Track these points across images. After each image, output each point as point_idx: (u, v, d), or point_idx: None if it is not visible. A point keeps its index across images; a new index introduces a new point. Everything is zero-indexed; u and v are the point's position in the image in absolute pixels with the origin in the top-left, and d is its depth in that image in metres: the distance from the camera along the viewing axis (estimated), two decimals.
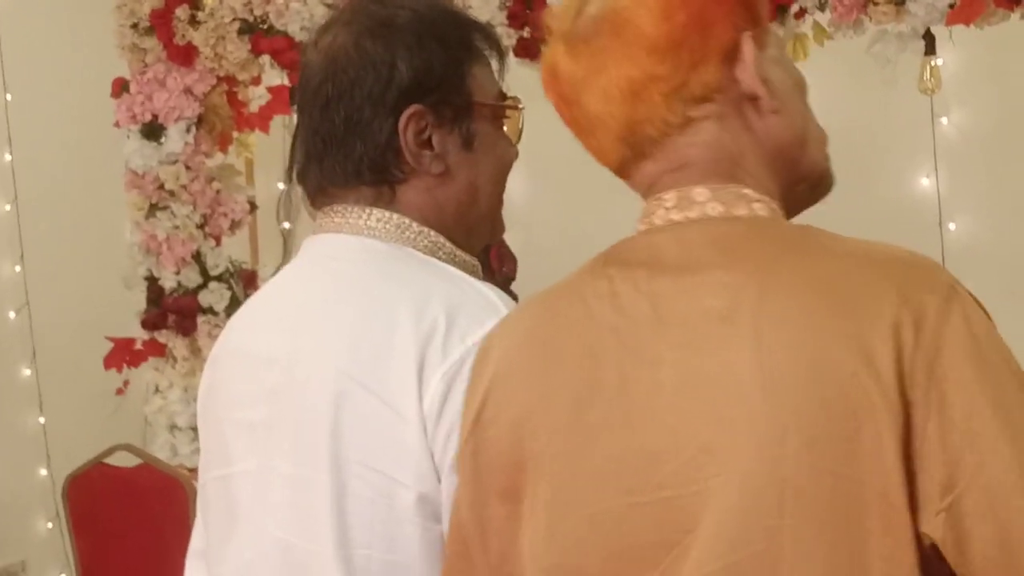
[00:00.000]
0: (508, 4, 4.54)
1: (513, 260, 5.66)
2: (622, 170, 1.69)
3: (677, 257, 1.60)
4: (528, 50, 4.48)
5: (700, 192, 1.62)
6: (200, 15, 5.14)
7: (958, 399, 1.44)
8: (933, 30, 4.38)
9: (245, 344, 2.07)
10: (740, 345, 1.51)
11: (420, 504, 1.84)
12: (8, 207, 6.53)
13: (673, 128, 1.62)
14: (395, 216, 2.00)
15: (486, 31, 2.11)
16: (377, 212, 2.00)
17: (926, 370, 1.45)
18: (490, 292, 1.93)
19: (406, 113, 1.98)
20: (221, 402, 2.08)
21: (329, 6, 4.84)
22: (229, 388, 2.06)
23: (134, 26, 5.27)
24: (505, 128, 2.10)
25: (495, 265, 5.49)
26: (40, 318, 6.60)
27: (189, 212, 5.34)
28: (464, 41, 2.05)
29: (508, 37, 4.51)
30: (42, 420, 6.66)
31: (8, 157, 6.51)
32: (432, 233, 2.01)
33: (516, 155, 2.12)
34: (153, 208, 5.36)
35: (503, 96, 2.09)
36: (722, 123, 1.64)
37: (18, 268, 6.58)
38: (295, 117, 4.86)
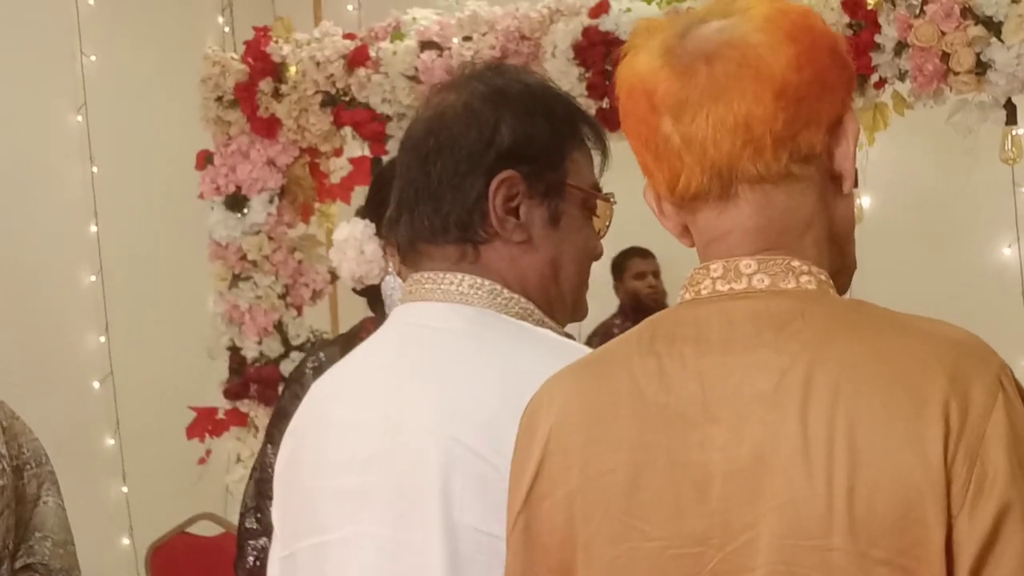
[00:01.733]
0: (587, 76, 4.56)
1: None
2: (694, 201, 1.63)
3: (723, 334, 1.58)
4: (608, 121, 4.49)
5: (747, 264, 1.60)
6: (283, 88, 5.19)
7: (992, 497, 1.43)
8: (1014, 99, 4.36)
9: (335, 413, 2.06)
10: (787, 433, 1.49)
11: None
12: (93, 278, 6.62)
13: (771, 176, 1.59)
14: (487, 282, 2.01)
15: (595, 126, 2.12)
16: (468, 278, 2.00)
17: (966, 461, 1.43)
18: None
19: (499, 176, 1.99)
20: (308, 471, 2.07)
21: (411, 79, 4.88)
22: (318, 457, 2.06)
23: (218, 99, 5.33)
24: (594, 223, 2.10)
25: None
26: (124, 388, 6.67)
27: (271, 282, 5.37)
28: (571, 125, 2.07)
29: (587, 108, 4.54)
30: (125, 489, 6.71)
31: (94, 229, 6.61)
32: (523, 300, 2.02)
33: (601, 252, 2.13)
34: (236, 278, 5.40)
35: (598, 188, 2.10)
36: (808, 189, 1.62)
37: (102, 339, 6.65)
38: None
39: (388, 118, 5.00)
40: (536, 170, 2.01)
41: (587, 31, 4.57)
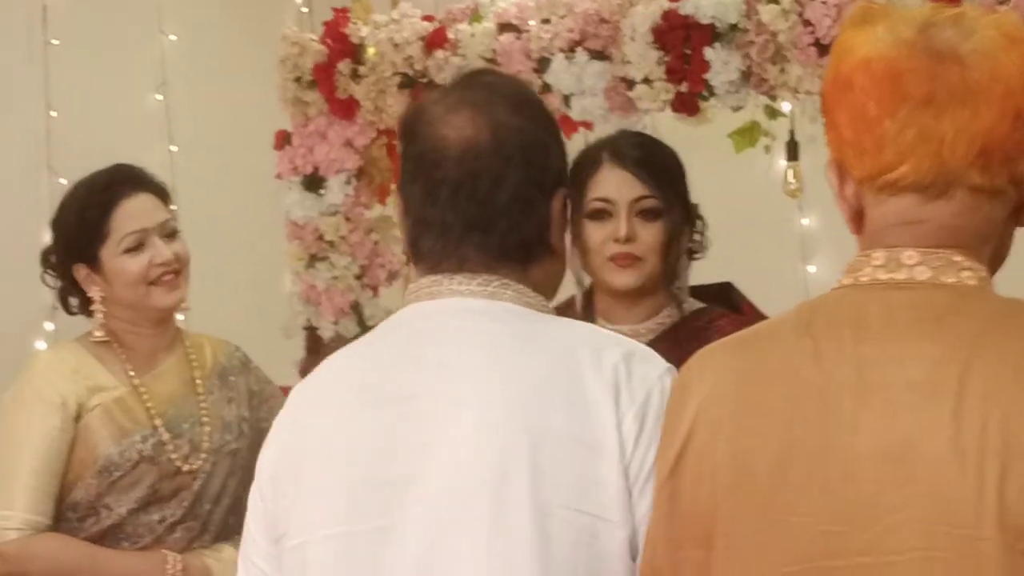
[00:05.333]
0: (666, 60, 4.53)
1: None
2: (904, 189, 1.64)
3: (882, 322, 1.59)
4: (686, 104, 4.46)
5: (910, 255, 1.61)
6: (362, 69, 5.20)
7: None
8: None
9: (368, 401, 2.06)
10: (940, 422, 1.50)
11: (627, 543, 1.87)
12: None
13: (988, 189, 1.61)
14: (515, 283, 2.07)
15: None
16: (496, 279, 2.06)
17: None
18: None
19: (561, 194, 2.11)
20: (339, 458, 2.05)
21: (489, 61, 4.87)
22: (353, 443, 2.04)
23: (297, 80, 5.34)
24: None
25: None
26: None
27: (348, 263, 5.38)
28: None
29: (667, 92, 4.50)
30: None
31: (172, 208, 6.65)
32: (544, 300, 2.11)
33: None
34: (313, 259, 5.41)
35: None
36: (1006, 209, 1.65)
37: (181, 317, 6.69)
38: None
39: None
40: (570, 186, 2.17)
41: (667, 15, 4.54)
